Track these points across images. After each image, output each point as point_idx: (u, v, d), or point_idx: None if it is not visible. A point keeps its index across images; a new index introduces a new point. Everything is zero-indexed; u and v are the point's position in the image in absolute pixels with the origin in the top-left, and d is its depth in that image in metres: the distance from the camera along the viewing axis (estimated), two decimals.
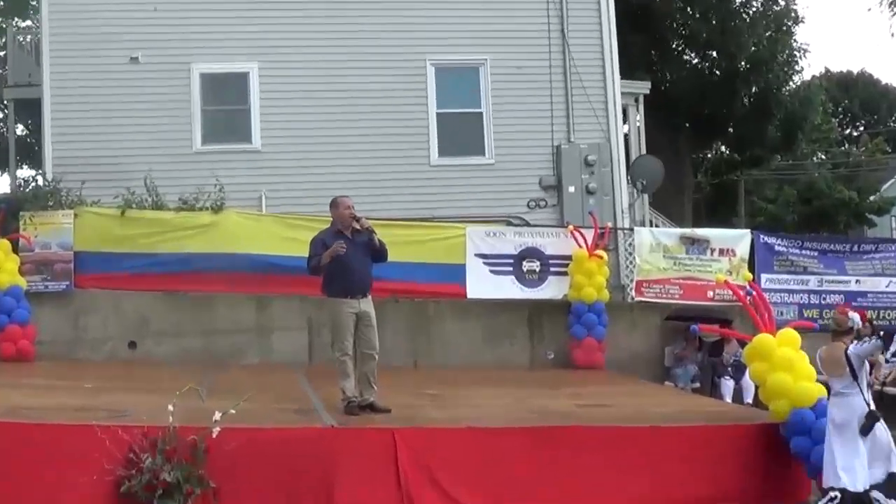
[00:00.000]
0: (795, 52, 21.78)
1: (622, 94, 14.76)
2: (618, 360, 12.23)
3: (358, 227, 7.74)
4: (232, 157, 13.42)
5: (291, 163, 13.50)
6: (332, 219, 8.02)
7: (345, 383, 7.66)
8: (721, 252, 12.99)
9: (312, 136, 13.57)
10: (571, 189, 14.03)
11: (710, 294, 12.74)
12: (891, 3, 20.68)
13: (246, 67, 13.68)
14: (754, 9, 21.21)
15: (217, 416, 6.15)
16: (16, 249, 11.52)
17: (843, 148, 34.49)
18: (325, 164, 13.42)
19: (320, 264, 7.54)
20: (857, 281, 12.89)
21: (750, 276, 10.50)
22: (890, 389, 10.87)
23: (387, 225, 11.27)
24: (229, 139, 13.60)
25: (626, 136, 16.59)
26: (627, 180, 14.57)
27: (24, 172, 20.94)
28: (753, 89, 21.33)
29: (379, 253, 7.87)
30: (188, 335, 11.66)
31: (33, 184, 14.35)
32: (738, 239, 13.23)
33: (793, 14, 21.67)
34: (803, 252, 13.05)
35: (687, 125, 22.69)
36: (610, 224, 13.24)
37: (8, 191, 15.22)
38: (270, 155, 13.57)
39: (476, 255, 12.43)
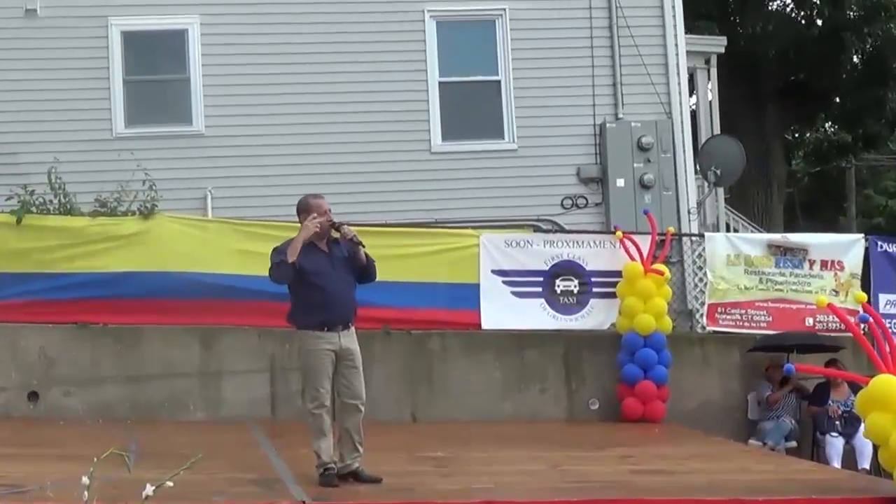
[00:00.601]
0: None
1: (688, 53, 14.86)
2: (684, 411, 12.32)
3: (338, 236, 7.86)
4: (166, 144, 13.53)
5: (246, 151, 13.64)
6: (301, 226, 8.05)
7: (320, 444, 7.71)
8: (824, 265, 13.12)
9: (273, 116, 13.71)
10: (620, 182, 14.13)
11: (810, 321, 12.90)
12: None
13: (183, 23, 13.79)
14: None
15: (149, 490, 5.91)
16: None
17: None
18: (290, 154, 13.62)
19: (286, 262, 7.60)
20: None
21: (864, 296, 10.27)
22: None
23: (374, 233, 11.28)
24: (162, 120, 13.74)
25: (694, 111, 16.76)
26: (696, 170, 14.71)
27: None
28: (867, 46, 21.26)
29: (366, 271, 7.99)
30: (108, 382, 11.63)
31: None
32: (848, 247, 13.33)
33: None
34: None
35: (776, 95, 22.76)
36: (672, 229, 13.26)
37: None
38: (218, 140, 13.69)
39: (493, 271, 12.50)
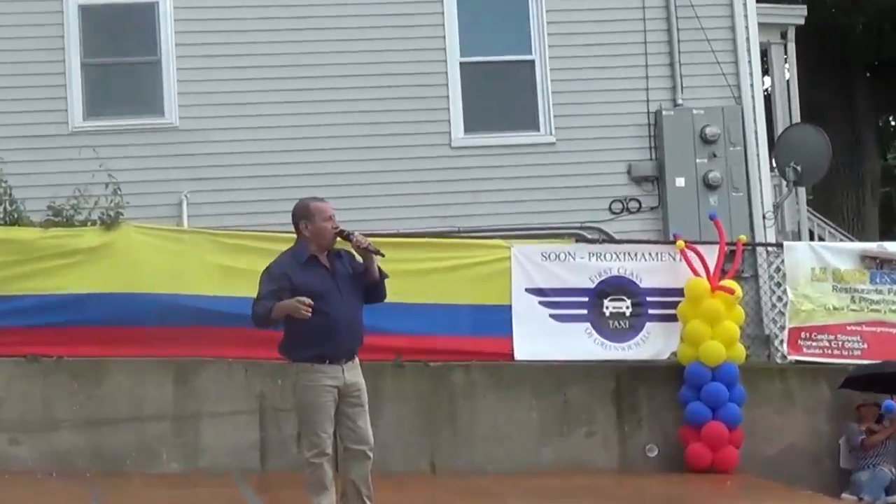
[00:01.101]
0: None
1: (761, 26, 14.85)
2: (762, 459, 12.28)
3: (358, 249, 7.86)
4: (133, 140, 13.58)
5: (229, 147, 13.70)
6: (298, 237, 8.06)
7: (321, 500, 7.69)
8: None
9: (262, 106, 13.75)
10: (680, 182, 14.16)
11: None
12: None
13: None
14: None
15: None
16: None
17: None
18: (283, 151, 13.69)
19: (269, 317, 7.66)
20: None
21: None
22: None
23: (384, 245, 10.98)
24: (128, 111, 13.80)
25: (769, 95, 16.81)
26: (772, 166, 14.71)
27: None
28: None
29: (377, 289, 8.05)
30: (64, 427, 11.56)
31: None
32: None
33: None
34: None
35: (868, 75, 22.63)
36: (745, 237, 13.23)
37: None
38: (195, 135, 13.76)
39: (528, 290, 12.52)
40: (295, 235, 8.00)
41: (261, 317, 7.67)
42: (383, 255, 7.93)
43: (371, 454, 7.83)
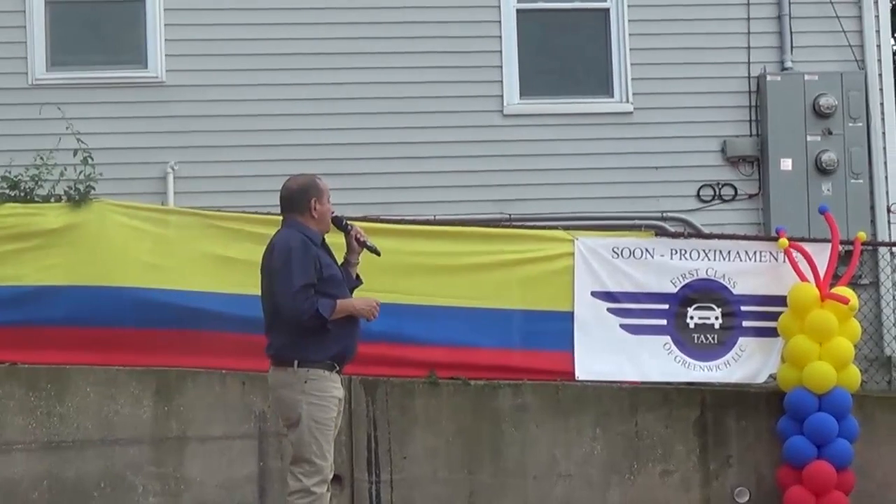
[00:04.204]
0: None
1: None
2: None
3: (355, 243, 8.24)
4: (108, 97, 13.39)
5: (226, 108, 13.52)
6: (296, 217, 8.23)
7: None
8: None
9: (270, 59, 13.59)
10: (786, 164, 13.86)
11: None
12: None
13: None
14: None
15: None
16: None
17: None
18: (291, 114, 13.52)
19: (331, 316, 7.96)
20: None
21: None
22: None
23: (416, 234, 11.45)
24: (102, 61, 13.55)
25: None
26: None
27: None
28: None
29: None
30: (17, 450, 11.34)
31: None
32: None
33: None
34: None
35: None
36: (864, 235, 12.77)
37: None
38: (184, 92, 13.56)
39: (595, 293, 12.12)
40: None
41: (326, 314, 7.85)
42: (379, 254, 8.24)
43: None
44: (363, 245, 8.11)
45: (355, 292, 8.48)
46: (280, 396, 7.99)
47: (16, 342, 11.36)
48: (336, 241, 8.68)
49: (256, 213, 11.75)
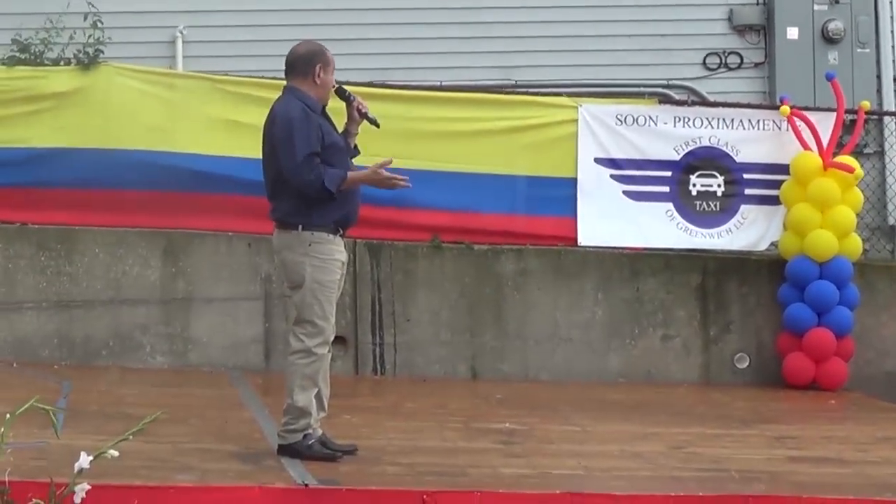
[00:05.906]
0: None
1: None
2: (876, 375, 12.28)
3: (357, 114, 8.11)
4: None
5: None
6: (299, 83, 8.04)
7: (310, 398, 7.88)
8: None
9: None
10: (793, 33, 13.84)
11: None
12: None
13: None
14: None
15: (84, 461, 5.97)
16: None
17: None
18: None
19: (341, 188, 7.88)
20: None
21: None
22: None
23: (420, 100, 11.49)
24: None
25: None
26: None
27: None
28: None
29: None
30: (27, 309, 11.57)
31: None
32: None
33: None
34: None
35: None
36: (868, 104, 12.80)
37: None
38: None
39: (598, 160, 12.29)
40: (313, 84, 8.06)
41: (333, 186, 7.79)
42: (379, 126, 8.17)
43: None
44: (364, 116, 8.15)
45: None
46: (284, 259, 8.07)
47: (25, 203, 11.62)
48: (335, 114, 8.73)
49: (266, 78, 11.72)
